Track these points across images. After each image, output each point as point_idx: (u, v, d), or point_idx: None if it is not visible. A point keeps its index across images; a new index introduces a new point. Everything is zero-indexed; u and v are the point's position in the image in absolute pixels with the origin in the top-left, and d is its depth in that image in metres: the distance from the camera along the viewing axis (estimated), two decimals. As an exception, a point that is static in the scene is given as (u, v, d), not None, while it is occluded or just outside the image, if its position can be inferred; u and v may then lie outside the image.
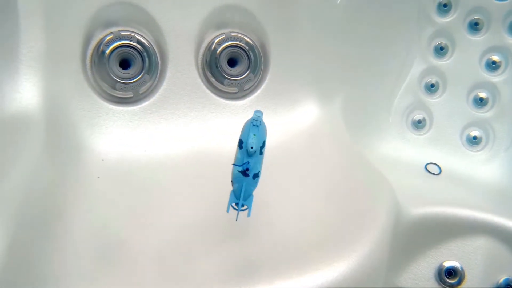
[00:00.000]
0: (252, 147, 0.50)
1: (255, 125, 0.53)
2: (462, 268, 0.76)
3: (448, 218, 0.75)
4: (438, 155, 1.10)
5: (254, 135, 0.51)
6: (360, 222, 0.56)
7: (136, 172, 0.66)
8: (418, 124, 1.15)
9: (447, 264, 0.77)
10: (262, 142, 0.52)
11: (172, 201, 0.63)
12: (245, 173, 0.50)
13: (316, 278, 0.46)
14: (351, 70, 0.95)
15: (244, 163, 0.50)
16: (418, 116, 1.15)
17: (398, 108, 1.14)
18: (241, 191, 0.51)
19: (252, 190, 0.52)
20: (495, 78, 1.13)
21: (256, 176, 0.52)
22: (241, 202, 0.51)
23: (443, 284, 0.76)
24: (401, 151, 1.08)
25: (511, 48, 1.12)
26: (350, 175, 0.70)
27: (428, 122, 1.15)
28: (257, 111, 0.56)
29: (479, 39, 1.14)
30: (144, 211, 0.60)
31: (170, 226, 0.56)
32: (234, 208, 0.51)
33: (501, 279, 0.76)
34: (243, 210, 0.51)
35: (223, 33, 0.77)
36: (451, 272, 0.77)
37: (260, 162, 0.52)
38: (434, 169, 1.05)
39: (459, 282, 0.76)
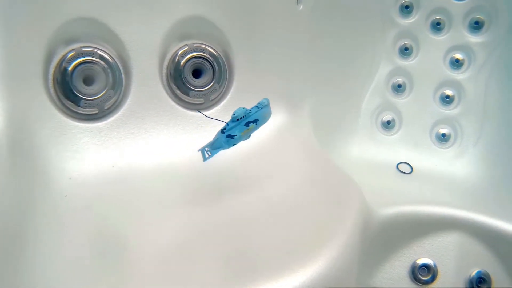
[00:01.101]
0: (234, 114, 0.62)
1: (256, 106, 0.64)
2: (435, 265, 0.78)
3: (419, 216, 0.76)
4: (409, 154, 1.12)
5: (243, 108, 0.63)
6: (328, 226, 0.57)
7: (104, 188, 0.66)
8: (388, 125, 1.16)
9: (420, 261, 0.78)
10: (245, 113, 0.62)
11: (142, 215, 0.62)
12: (222, 131, 0.63)
13: (283, 284, 0.46)
14: (318, 75, 0.96)
15: (226, 124, 0.63)
16: (387, 117, 1.17)
17: (367, 110, 1.16)
18: (213, 142, 0.63)
19: (221, 146, 0.63)
20: (460, 75, 1.16)
21: (230, 136, 0.62)
22: (205, 146, 0.64)
23: (418, 281, 0.78)
24: (372, 153, 1.09)
25: (473, 46, 1.15)
26: (318, 180, 0.71)
27: (397, 122, 1.17)
28: (264, 99, 0.66)
29: (442, 39, 1.17)
30: (115, 227, 0.60)
31: (142, 241, 0.56)
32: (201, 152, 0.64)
33: (473, 272, 0.78)
34: (207, 154, 0.64)
35: (186, 44, 0.77)
36: (425, 269, 0.78)
37: (239, 130, 0.62)
38: (406, 168, 1.06)
39: (433, 278, 0.77)
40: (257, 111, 0.63)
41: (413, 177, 1.02)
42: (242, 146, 0.76)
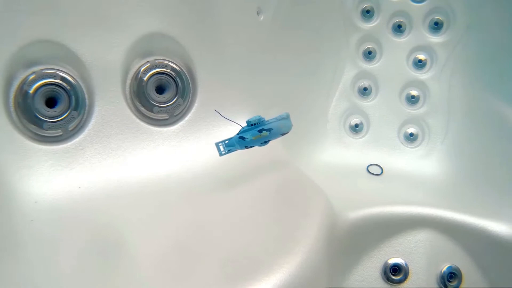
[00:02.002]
0: (249, 120, 0.71)
1: (275, 117, 0.72)
2: (406, 264, 0.79)
3: (387, 217, 0.77)
4: (379, 156, 1.14)
5: (259, 116, 0.71)
6: (292, 233, 0.57)
7: (71, 210, 0.65)
8: (356, 128, 1.18)
9: (392, 261, 0.79)
10: (259, 120, 0.71)
11: (112, 236, 0.62)
12: (238, 133, 0.71)
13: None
14: (284, 83, 0.97)
15: (242, 127, 0.71)
16: (355, 120, 1.19)
17: (334, 115, 1.18)
18: (228, 139, 0.71)
19: (233, 145, 0.70)
20: (423, 75, 1.19)
21: (241, 138, 0.70)
22: (221, 141, 0.70)
23: (390, 281, 0.79)
24: (342, 157, 1.11)
25: (434, 46, 1.18)
26: (283, 189, 0.71)
27: (365, 124, 1.19)
28: (284, 112, 0.73)
29: (404, 40, 1.20)
30: (82, 249, 0.59)
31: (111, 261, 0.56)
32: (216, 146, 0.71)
33: (444, 268, 0.79)
34: (223, 150, 0.71)
35: (148, 61, 0.78)
36: (396, 269, 0.79)
37: (251, 134, 0.70)
38: (376, 170, 1.08)
39: (405, 277, 0.78)
40: (273, 121, 0.71)
41: (384, 178, 1.04)
42: (209, 159, 0.76)
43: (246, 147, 0.71)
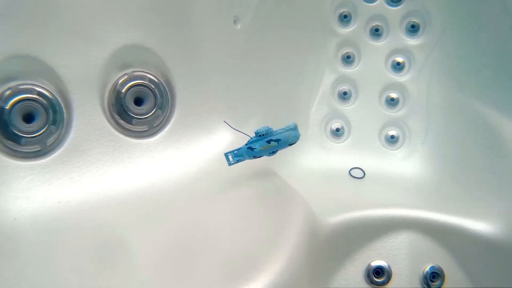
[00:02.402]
0: (257, 131, 0.73)
1: (283, 128, 0.75)
2: (388, 266, 0.80)
3: (369, 220, 0.78)
4: (361, 159, 1.15)
5: (267, 127, 0.74)
6: (272, 240, 0.58)
7: (51, 225, 0.65)
8: (337, 132, 1.19)
9: (374, 264, 0.80)
10: (267, 131, 0.73)
11: (93, 248, 0.62)
12: (246, 144, 0.73)
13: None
14: (263, 90, 0.98)
15: (250, 138, 0.74)
16: (336, 125, 1.20)
17: (315, 120, 1.18)
18: (237, 149, 0.73)
19: (242, 155, 0.73)
20: (402, 78, 1.20)
21: (250, 148, 0.73)
22: (230, 152, 0.73)
23: (374, 284, 0.79)
24: (323, 161, 1.11)
25: (412, 49, 1.19)
26: (264, 196, 0.72)
27: (346, 129, 1.19)
28: (292, 123, 0.76)
29: (382, 44, 1.21)
30: (63, 265, 0.59)
31: (90, 276, 0.55)
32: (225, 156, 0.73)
33: (426, 268, 0.80)
34: (231, 159, 0.73)
35: (125, 73, 0.78)
36: (379, 271, 0.80)
37: (260, 144, 0.73)
38: (358, 173, 1.08)
39: (388, 279, 0.79)
40: (281, 132, 0.74)
41: (366, 181, 1.05)
42: (189, 169, 0.76)
43: (254, 157, 0.74)
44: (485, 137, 1.00)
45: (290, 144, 0.75)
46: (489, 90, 1.03)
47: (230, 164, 0.74)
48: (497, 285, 0.79)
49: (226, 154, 0.73)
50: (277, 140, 0.74)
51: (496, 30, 0.99)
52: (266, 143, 0.73)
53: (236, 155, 0.73)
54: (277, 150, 0.75)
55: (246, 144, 0.74)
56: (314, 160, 1.12)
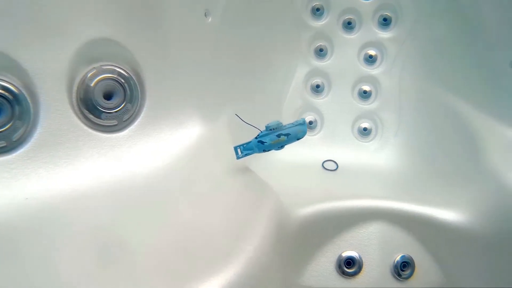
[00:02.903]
0: (268, 125, 0.75)
1: (292, 122, 0.77)
2: (359, 256, 0.80)
3: (339, 211, 0.79)
4: (334, 151, 1.15)
5: (278, 121, 0.76)
6: (239, 232, 0.58)
7: (19, 222, 0.64)
8: (310, 125, 1.20)
9: (345, 255, 0.81)
10: (277, 125, 0.75)
11: (60, 251, 0.61)
12: (256, 137, 0.75)
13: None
14: (235, 84, 0.97)
15: (260, 131, 0.76)
16: (309, 118, 1.20)
17: (288, 113, 1.19)
18: (246, 143, 0.75)
19: (252, 148, 0.75)
20: (374, 70, 1.21)
21: (260, 142, 0.75)
22: (239, 145, 0.75)
23: (345, 274, 0.80)
24: (297, 154, 1.12)
25: (384, 42, 1.20)
26: (234, 189, 0.72)
27: (319, 121, 1.20)
28: (301, 118, 0.81)
29: (354, 37, 1.22)
30: (29, 262, 0.58)
31: (57, 276, 0.55)
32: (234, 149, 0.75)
33: (397, 258, 0.81)
34: (240, 153, 0.75)
35: (94, 67, 0.76)
36: (350, 262, 0.80)
37: (270, 138, 0.75)
38: (331, 166, 1.09)
39: (359, 269, 0.80)
40: (290, 127, 0.76)
41: (339, 173, 1.06)
42: (160, 163, 0.76)
43: (264, 150, 0.76)
44: (455, 128, 1.02)
45: (298, 139, 0.76)
46: (460, 82, 1.04)
47: (238, 158, 0.75)
48: (466, 272, 0.80)
49: (235, 148, 0.75)
50: (287, 135, 0.75)
51: (466, 23, 1.01)
52: (276, 137, 0.75)
53: (246, 149, 0.75)
54: (284, 145, 0.77)
55: (256, 138, 0.75)
56: (287, 153, 1.11)
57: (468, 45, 1.01)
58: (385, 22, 1.20)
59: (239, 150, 0.74)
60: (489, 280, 0.80)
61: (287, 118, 1.18)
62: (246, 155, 0.75)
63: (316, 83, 1.21)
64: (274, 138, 0.75)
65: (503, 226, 0.78)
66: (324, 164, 1.09)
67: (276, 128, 0.75)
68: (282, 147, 0.77)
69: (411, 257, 0.82)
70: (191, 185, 0.73)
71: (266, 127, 0.75)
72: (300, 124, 0.77)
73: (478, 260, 0.81)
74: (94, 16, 0.76)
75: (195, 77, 0.87)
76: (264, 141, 0.75)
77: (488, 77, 0.97)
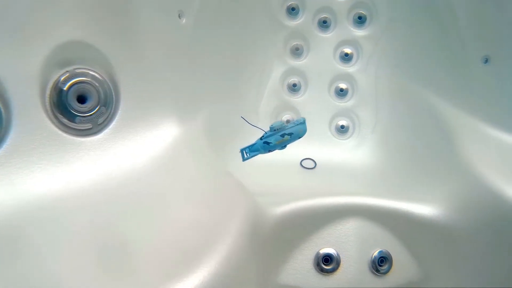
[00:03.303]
0: (272, 125, 0.77)
1: (293, 121, 0.80)
2: (337, 253, 0.81)
3: (315, 209, 0.79)
4: (312, 150, 1.16)
5: (281, 121, 0.78)
6: (213, 232, 0.58)
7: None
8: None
9: (323, 252, 0.81)
10: (281, 125, 0.78)
11: (35, 258, 0.60)
12: (261, 138, 0.78)
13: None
14: (211, 85, 0.97)
15: (264, 132, 0.78)
16: (286, 116, 1.21)
17: (265, 113, 1.19)
18: (252, 145, 0.78)
19: (258, 149, 0.78)
20: (350, 68, 1.22)
21: (266, 143, 0.78)
22: (245, 148, 0.78)
23: (323, 272, 0.81)
24: (274, 153, 1.12)
25: (359, 40, 1.21)
26: (209, 190, 0.72)
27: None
28: (301, 117, 0.81)
29: (330, 35, 1.23)
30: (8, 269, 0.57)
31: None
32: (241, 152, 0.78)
33: (375, 253, 0.82)
34: (245, 154, 0.78)
35: (67, 71, 0.76)
36: (328, 259, 0.81)
37: (275, 138, 0.77)
38: (309, 164, 1.10)
39: (337, 266, 0.81)
40: (293, 126, 0.79)
41: (316, 171, 1.06)
42: (135, 166, 0.76)
43: (269, 151, 0.79)
44: (431, 124, 1.03)
45: (299, 137, 0.80)
46: (435, 78, 1.06)
47: (244, 159, 0.78)
48: (442, 265, 0.82)
49: (241, 150, 0.78)
50: (290, 134, 0.78)
51: (440, 20, 1.02)
52: (281, 137, 0.78)
53: (252, 150, 0.77)
54: (287, 144, 0.79)
55: (261, 139, 0.78)
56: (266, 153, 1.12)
57: (442, 41, 1.03)
58: (360, 20, 1.21)
59: (245, 153, 0.77)
60: (464, 273, 0.81)
61: (264, 118, 1.18)
62: (252, 156, 0.78)
63: (292, 82, 1.22)
64: (278, 138, 0.78)
65: (477, 219, 0.79)
66: (302, 163, 1.10)
67: (279, 129, 0.78)
68: (284, 146, 0.80)
69: (388, 253, 0.83)
70: (167, 186, 0.73)
71: (270, 127, 0.78)
72: (301, 123, 0.80)
73: (453, 253, 0.82)
74: (66, 19, 0.75)
75: (171, 79, 0.87)
76: (269, 141, 0.78)
77: (462, 73, 0.98)
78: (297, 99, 1.21)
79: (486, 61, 0.92)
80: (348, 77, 1.22)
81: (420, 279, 0.84)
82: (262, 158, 1.10)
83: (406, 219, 0.83)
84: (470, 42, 0.96)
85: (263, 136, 0.78)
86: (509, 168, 0.84)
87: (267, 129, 0.80)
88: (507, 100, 0.90)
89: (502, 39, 0.91)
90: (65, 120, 0.76)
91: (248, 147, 0.77)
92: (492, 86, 0.93)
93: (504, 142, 0.89)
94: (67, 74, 0.76)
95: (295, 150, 1.15)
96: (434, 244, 0.83)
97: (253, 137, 1.14)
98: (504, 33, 0.90)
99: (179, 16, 0.89)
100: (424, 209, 0.84)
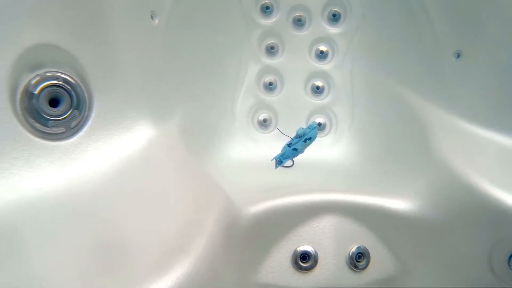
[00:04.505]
0: (297, 132, 0.87)
1: (308, 127, 0.89)
2: (314, 250, 0.82)
3: (292, 207, 0.79)
4: (290, 148, 1.16)
5: (302, 128, 0.87)
6: (186, 232, 0.58)
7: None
8: (264, 123, 1.20)
9: (300, 249, 0.82)
10: (304, 132, 0.87)
11: (12, 256, 0.59)
12: (289, 145, 0.87)
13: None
14: (186, 85, 0.97)
15: (291, 139, 0.87)
16: (263, 115, 1.21)
17: (241, 112, 1.19)
18: (282, 154, 0.86)
19: (289, 156, 0.87)
20: (326, 66, 1.23)
21: (294, 149, 0.87)
22: (277, 157, 0.87)
23: (301, 269, 0.81)
24: (252, 152, 1.12)
25: (334, 37, 1.22)
26: (184, 190, 0.72)
27: (273, 119, 1.21)
28: (313, 122, 0.94)
29: (305, 34, 1.23)
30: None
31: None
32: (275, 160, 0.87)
33: (352, 249, 0.83)
34: (278, 162, 0.87)
35: (37, 74, 0.74)
36: (306, 257, 0.81)
37: (300, 144, 0.87)
38: (287, 162, 1.10)
39: (315, 263, 0.81)
40: (310, 131, 0.88)
41: (294, 169, 1.06)
42: (110, 169, 0.75)
43: (295, 156, 0.88)
44: (406, 119, 1.04)
45: (313, 140, 0.88)
46: (409, 73, 1.07)
47: (277, 167, 0.88)
48: (418, 258, 0.83)
49: (275, 159, 0.87)
50: (309, 139, 0.88)
51: (412, 16, 1.03)
52: (304, 142, 0.87)
53: (284, 157, 0.86)
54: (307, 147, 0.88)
55: (289, 146, 0.87)
56: (243, 152, 1.12)
57: (415, 37, 1.04)
58: (334, 17, 1.22)
59: (276, 161, 0.86)
60: (441, 264, 0.82)
61: (241, 117, 1.18)
62: (284, 163, 0.87)
63: (268, 81, 1.22)
64: (302, 143, 0.88)
65: (451, 211, 0.80)
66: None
67: (302, 135, 0.87)
68: (303, 151, 0.89)
69: (366, 248, 0.83)
70: (142, 188, 0.72)
71: (296, 134, 0.88)
72: (315, 127, 0.89)
73: (430, 246, 0.83)
74: (34, 21, 0.74)
75: (145, 80, 0.86)
76: (297, 147, 0.87)
77: (435, 68, 0.99)
78: (273, 98, 1.22)
79: (458, 56, 0.94)
80: (324, 75, 1.23)
81: (398, 272, 0.85)
82: (238, 157, 1.11)
83: (383, 214, 0.84)
84: (442, 37, 0.97)
85: (290, 143, 0.87)
86: (482, 161, 0.85)
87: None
88: (479, 94, 0.92)
89: (473, 34, 0.92)
90: (37, 125, 0.74)
91: (280, 155, 0.85)
92: (464, 80, 0.94)
93: (476, 135, 0.91)
94: (37, 78, 0.75)
95: (272, 149, 1.16)
96: (411, 238, 0.84)
97: (231, 137, 1.14)
98: (475, 29, 0.91)
99: (152, 17, 0.89)
100: (399, 204, 0.85)
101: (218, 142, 1.08)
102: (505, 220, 0.71)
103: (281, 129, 1.20)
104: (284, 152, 0.86)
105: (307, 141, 0.87)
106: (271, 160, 0.86)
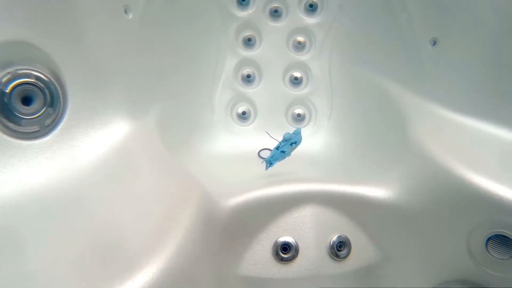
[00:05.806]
0: (284, 136, 0.92)
1: (293, 132, 0.94)
2: (295, 241, 0.82)
3: (270, 198, 0.79)
4: (270, 140, 1.16)
5: (288, 133, 0.93)
6: (163, 227, 0.58)
7: None
8: (243, 116, 1.20)
9: (281, 240, 0.82)
10: (290, 136, 0.93)
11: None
12: (277, 148, 0.92)
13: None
14: (162, 80, 0.96)
15: (279, 143, 0.92)
16: (242, 108, 1.21)
17: (220, 105, 1.19)
18: (272, 156, 0.90)
19: (277, 158, 0.91)
20: (304, 56, 1.23)
21: (282, 152, 0.91)
22: (267, 159, 0.90)
23: (283, 260, 0.81)
24: (232, 145, 1.12)
25: (311, 28, 1.22)
26: (161, 185, 0.71)
27: (252, 111, 1.21)
28: (298, 128, 0.97)
29: (282, 25, 1.23)
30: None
31: None
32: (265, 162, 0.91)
33: (333, 238, 0.83)
34: (269, 164, 0.90)
35: (8, 72, 0.73)
36: (287, 247, 0.82)
37: (287, 147, 0.92)
38: (267, 154, 1.10)
39: (296, 253, 0.81)
40: (296, 136, 0.94)
41: (274, 161, 1.07)
42: (86, 166, 0.74)
43: (283, 158, 0.92)
44: (384, 107, 1.05)
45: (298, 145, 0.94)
46: (387, 62, 1.08)
47: (267, 168, 0.90)
48: (398, 245, 0.83)
49: (266, 161, 0.91)
50: (295, 142, 0.93)
51: (388, 5, 1.04)
52: (290, 145, 0.92)
53: (273, 159, 0.90)
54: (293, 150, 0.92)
55: (278, 149, 0.92)
56: (222, 145, 1.12)
57: (391, 26, 1.05)
58: (311, 8, 1.21)
59: (267, 163, 0.90)
60: (423, 250, 0.83)
61: (219, 110, 1.18)
62: (273, 164, 0.91)
63: (246, 73, 1.21)
64: (289, 146, 0.92)
65: (430, 197, 0.81)
66: (261, 153, 1.10)
67: (288, 139, 0.93)
68: (290, 154, 0.93)
69: (346, 237, 0.84)
70: (119, 184, 0.72)
71: (284, 138, 0.93)
72: (299, 133, 0.95)
73: (410, 233, 0.84)
74: (2, 17, 0.73)
75: (120, 76, 0.85)
76: (284, 150, 0.91)
77: (411, 56, 1.00)
78: (252, 90, 1.21)
79: (434, 43, 0.94)
80: (302, 66, 1.23)
81: (380, 260, 0.86)
82: (218, 150, 1.11)
83: (363, 203, 0.84)
84: (418, 25, 0.98)
85: (278, 146, 0.92)
86: (459, 147, 0.86)
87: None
88: (455, 82, 0.93)
89: (448, 21, 0.93)
90: (10, 124, 0.73)
91: (270, 157, 0.90)
92: (440, 67, 0.95)
93: (453, 122, 0.92)
94: (8, 76, 0.74)
95: (252, 141, 1.16)
96: (391, 225, 0.85)
97: (210, 130, 1.14)
98: (450, 16, 0.92)
99: (126, 11, 0.88)
100: (379, 192, 0.85)
101: (197, 136, 1.08)
102: (482, 204, 0.72)
103: (260, 120, 1.20)
104: (274, 154, 0.90)
105: (293, 144, 0.92)
106: (262, 162, 0.91)
